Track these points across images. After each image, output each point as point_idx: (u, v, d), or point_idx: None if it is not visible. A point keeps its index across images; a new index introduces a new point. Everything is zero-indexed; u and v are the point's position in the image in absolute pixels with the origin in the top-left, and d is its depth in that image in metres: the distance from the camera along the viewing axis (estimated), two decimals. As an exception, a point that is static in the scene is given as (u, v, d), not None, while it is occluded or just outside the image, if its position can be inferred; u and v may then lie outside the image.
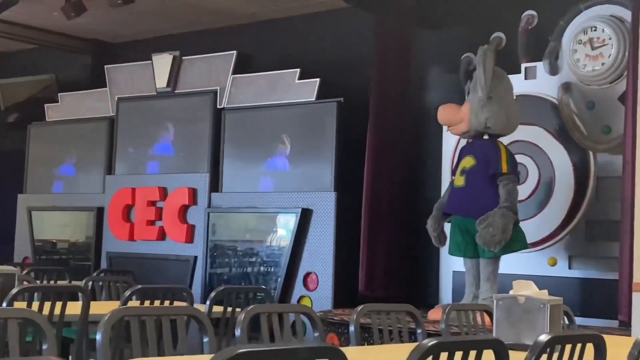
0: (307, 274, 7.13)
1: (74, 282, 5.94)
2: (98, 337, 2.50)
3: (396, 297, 6.72)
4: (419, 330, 3.50)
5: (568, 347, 2.45)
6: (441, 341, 2.04)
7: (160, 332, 2.71)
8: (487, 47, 5.76)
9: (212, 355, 1.69)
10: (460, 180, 5.79)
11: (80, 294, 3.85)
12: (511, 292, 3.26)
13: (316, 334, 3.11)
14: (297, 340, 3.00)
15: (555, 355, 2.40)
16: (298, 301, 7.13)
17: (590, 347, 2.52)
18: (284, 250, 7.22)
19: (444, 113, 5.92)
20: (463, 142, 6.25)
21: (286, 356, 1.70)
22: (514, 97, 6.01)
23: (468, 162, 5.76)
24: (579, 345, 2.48)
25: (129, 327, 2.65)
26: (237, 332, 2.82)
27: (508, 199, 5.62)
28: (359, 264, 6.91)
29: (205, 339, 2.70)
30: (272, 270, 7.29)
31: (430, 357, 2.03)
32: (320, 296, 7.01)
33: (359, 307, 3.35)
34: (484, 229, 5.53)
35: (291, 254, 7.16)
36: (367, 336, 3.59)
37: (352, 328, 3.22)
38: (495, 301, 3.24)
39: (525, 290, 3.25)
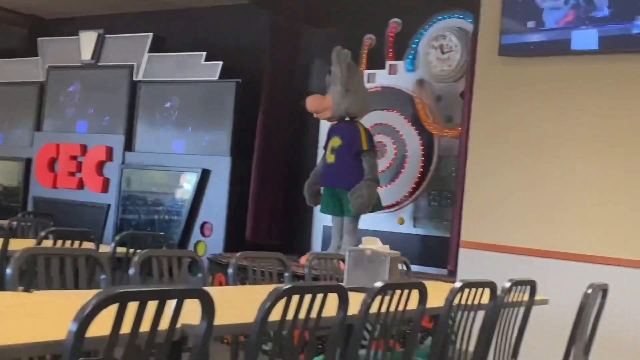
0: (204, 223, 7.05)
1: (1, 221, 5.68)
2: (8, 271, 2.39)
3: (277, 244, 6.72)
4: (286, 274, 3.51)
5: (398, 291, 2.50)
6: (293, 286, 2.04)
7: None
8: (340, 48, 5.72)
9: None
10: (331, 158, 5.79)
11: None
12: (360, 246, 3.30)
13: (199, 275, 3.07)
14: (184, 281, 2.94)
15: (387, 298, 2.45)
16: (195, 245, 7.05)
17: (415, 292, 2.58)
18: (185, 203, 7.11)
19: (311, 102, 5.90)
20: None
21: (160, 296, 1.66)
22: (364, 85, 6.08)
23: (336, 142, 5.76)
24: (406, 291, 2.53)
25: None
26: (131, 272, 2.75)
27: (370, 172, 5.68)
28: (247, 217, 6.87)
29: (103, 276, 2.62)
30: (175, 219, 7.17)
31: (285, 298, 2.03)
32: (213, 242, 6.95)
33: (238, 254, 3.32)
34: (355, 199, 5.56)
35: (191, 206, 7.06)
36: (244, 277, 3.56)
37: (230, 270, 3.20)
38: (347, 252, 3.28)
39: (372, 244, 3.30)
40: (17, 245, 3.66)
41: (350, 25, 7.00)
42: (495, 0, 5.11)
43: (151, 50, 7.56)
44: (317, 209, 6.40)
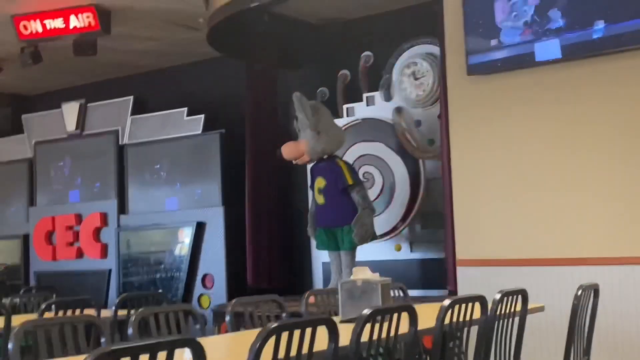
0: (205, 276, 7.13)
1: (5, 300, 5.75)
2: (9, 346, 2.47)
3: (279, 287, 6.80)
4: (284, 314, 3.58)
5: (387, 317, 2.59)
6: (280, 323, 2.12)
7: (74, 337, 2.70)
8: (298, 93, 5.82)
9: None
10: (320, 199, 5.88)
11: (2, 311, 3.74)
12: (351, 277, 3.39)
13: (197, 326, 3.15)
14: (178, 334, 3.02)
15: (377, 325, 2.53)
16: (198, 298, 7.12)
17: (405, 315, 2.67)
18: (184, 258, 7.20)
19: (286, 151, 5.97)
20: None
21: (150, 349, 1.74)
22: (333, 120, 6.15)
23: (320, 182, 5.85)
24: (395, 315, 2.61)
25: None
26: (130, 332, 2.84)
27: (365, 202, 5.77)
28: (246, 264, 6.95)
29: (102, 339, 2.70)
30: (176, 275, 7.25)
31: (274, 336, 2.11)
32: (216, 293, 7.02)
33: (233, 301, 3.40)
34: (360, 228, 5.63)
35: (190, 260, 7.15)
36: (243, 323, 3.64)
37: (227, 318, 3.28)
38: (339, 285, 3.36)
39: (363, 274, 3.39)
40: (20, 321, 3.74)
41: (324, 64, 7.18)
42: (457, 23, 5.27)
43: (134, 113, 7.73)
44: (314, 246, 6.48)
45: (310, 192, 6.48)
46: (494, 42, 5.10)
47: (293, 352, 2.17)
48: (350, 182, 5.71)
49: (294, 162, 6.07)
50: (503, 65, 5.08)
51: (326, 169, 5.88)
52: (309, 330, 2.22)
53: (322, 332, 2.30)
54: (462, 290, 5.18)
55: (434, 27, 5.66)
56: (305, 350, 2.21)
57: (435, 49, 6.15)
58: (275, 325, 2.09)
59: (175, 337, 1.84)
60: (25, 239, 8.21)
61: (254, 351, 2.01)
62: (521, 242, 4.97)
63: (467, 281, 5.20)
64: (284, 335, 2.14)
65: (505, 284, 4.30)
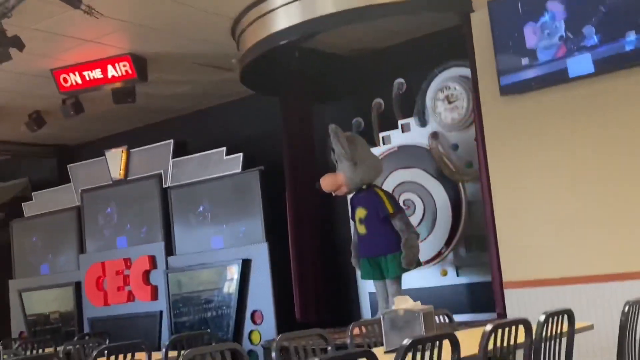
0: (254, 312, 7.19)
1: (59, 349, 5.90)
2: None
3: (327, 319, 6.84)
4: (329, 348, 3.61)
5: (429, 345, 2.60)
6: (321, 359, 2.16)
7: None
8: (333, 126, 5.87)
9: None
10: (362, 229, 5.89)
11: (55, 360, 3.85)
12: (393, 307, 3.41)
13: (246, 364, 3.20)
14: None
15: (419, 354, 2.54)
16: (249, 335, 7.19)
17: (447, 343, 2.68)
18: (232, 295, 7.28)
19: (325, 183, 5.99)
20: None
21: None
22: (369, 150, 6.17)
23: (361, 213, 5.87)
24: (437, 343, 2.63)
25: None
26: (178, 373, 2.91)
27: (409, 228, 5.77)
28: (293, 297, 6.99)
29: (152, 383, 2.77)
30: (225, 312, 7.33)
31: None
32: (266, 328, 7.07)
33: (278, 337, 3.45)
34: (409, 250, 5.63)
35: (238, 297, 7.22)
36: (289, 358, 3.68)
37: (273, 354, 3.32)
38: (381, 316, 3.38)
39: (404, 304, 3.41)
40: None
41: (357, 94, 7.25)
42: (487, 44, 5.31)
43: (175, 156, 7.90)
44: (359, 277, 6.49)
45: (351, 223, 6.52)
46: (525, 61, 5.11)
47: (335, 386, 2.20)
48: (390, 210, 5.73)
49: (333, 193, 6.12)
50: (536, 83, 5.09)
51: (366, 199, 5.90)
52: (350, 364, 2.25)
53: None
54: (511, 313, 5.15)
55: (464, 49, 5.70)
56: (347, 384, 2.24)
57: (467, 72, 6.16)
58: (314, 360, 2.13)
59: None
60: (78, 286, 8.42)
61: (295, 388, 2.05)
62: (567, 260, 4.92)
63: (515, 303, 5.16)
64: (326, 370, 2.18)
65: (555, 304, 4.27)
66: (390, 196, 5.95)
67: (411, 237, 5.70)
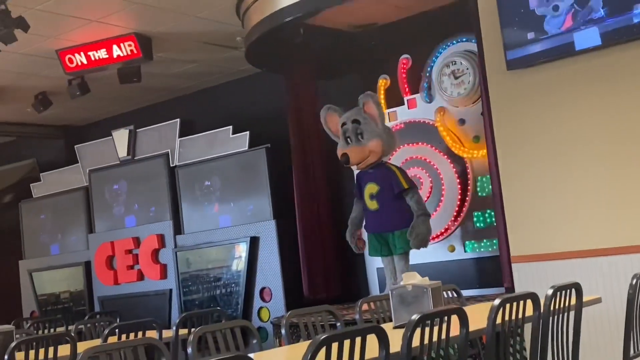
0: (262, 289, 7.24)
1: (70, 327, 5.96)
2: (74, 374, 2.59)
3: (335, 295, 6.88)
4: (338, 324, 3.64)
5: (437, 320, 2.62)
6: (330, 334, 2.18)
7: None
8: (370, 92, 5.80)
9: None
10: (373, 204, 5.76)
11: (67, 339, 3.89)
12: (401, 283, 3.43)
13: (254, 341, 3.23)
14: (239, 350, 3.11)
15: (428, 329, 2.56)
16: (258, 312, 7.24)
17: (455, 318, 2.69)
18: (241, 273, 7.33)
19: (355, 156, 5.72)
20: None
21: (204, 367, 1.83)
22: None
23: (372, 188, 5.74)
24: (445, 318, 2.65)
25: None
26: (189, 351, 2.94)
27: (420, 208, 5.68)
28: (301, 274, 7.03)
29: (163, 360, 2.80)
30: (234, 290, 7.39)
31: (324, 347, 2.17)
32: (275, 305, 7.12)
33: (287, 314, 3.48)
34: (415, 238, 5.57)
35: (247, 275, 7.28)
36: (298, 335, 3.71)
37: (282, 331, 3.35)
38: (390, 292, 3.40)
39: (412, 279, 3.42)
40: (85, 348, 3.89)
41: (363, 70, 7.22)
42: (493, 18, 5.26)
43: (181, 135, 7.91)
44: (367, 254, 6.50)
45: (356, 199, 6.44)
46: (531, 35, 5.07)
47: (345, 362, 2.22)
48: (405, 185, 5.64)
49: (356, 167, 5.94)
50: (542, 57, 5.05)
51: (378, 175, 5.78)
52: (359, 340, 2.27)
53: (375, 340, 2.35)
54: (519, 287, 5.15)
55: (469, 24, 5.65)
56: (356, 358, 2.26)
57: (473, 46, 6.13)
58: (324, 336, 2.15)
59: (228, 355, 1.92)
60: (87, 265, 8.48)
61: (305, 363, 2.07)
62: (575, 234, 4.91)
63: (523, 277, 5.17)
64: (335, 346, 2.20)
65: (562, 278, 4.27)
66: (404, 172, 5.87)
67: (419, 221, 5.59)
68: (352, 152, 5.77)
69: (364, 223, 6.00)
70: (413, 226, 5.58)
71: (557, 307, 3.18)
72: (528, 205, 5.16)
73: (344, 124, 5.77)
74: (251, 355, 1.93)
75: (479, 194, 6.34)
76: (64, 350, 4.00)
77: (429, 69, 6.63)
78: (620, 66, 4.75)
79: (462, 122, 6.46)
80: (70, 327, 5.70)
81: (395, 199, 5.72)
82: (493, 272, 5.95)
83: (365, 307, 5.72)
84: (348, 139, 5.72)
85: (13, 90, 7.87)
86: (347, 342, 2.24)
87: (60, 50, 6.81)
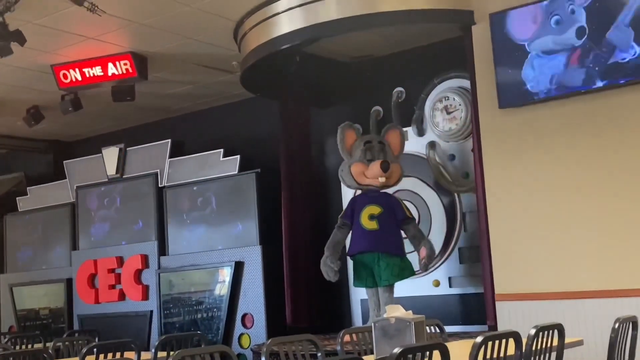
0: (244, 315, 7.19)
1: (48, 344, 5.89)
2: (49, 391, 2.56)
3: (318, 325, 6.83)
4: (319, 354, 3.62)
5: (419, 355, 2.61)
6: (310, 364, 2.17)
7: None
8: (395, 124, 6.20)
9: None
10: (372, 224, 5.85)
11: (45, 356, 3.85)
12: (384, 315, 3.42)
13: (233, 367, 3.20)
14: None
15: (409, 363, 2.56)
16: (239, 338, 7.18)
17: (437, 354, 2.69)
18: (224, 297, 7.28)
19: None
20: (352, 194, 6.45)
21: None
22: None
23: (375, 209, 5.86)
24: (427, 353, 2.64)
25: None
26: (167, 374, 2.91)
27: (422, 234, 5.99)
28: (285, 302, 6.99)
29: (140, 382, 2.78)
30: (216, 314, 7.33)
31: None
32: (256, 332, 7.06)
33: (268, 341, 3.46)
34: (430, 250, 5.83)
35: (230, 299, 7.22)
36: (279, 363, 3.68)
37: (262, 358, 3.33)
38: (372, 324, 3.39)
39: (396, 312, 3.41)
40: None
41: (356, 101, 7.27)
42: (487, 56, 5.34)
43: (172, 156, 7.90)
44: (351, 284, 6.49)
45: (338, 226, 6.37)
46: (525, 75, 5.13)
47: (323, 393, 2.21)
48: (409, 215, 5.92)
49: (382, 181, 5.94)
50: (535, 96, 5.11)
51: (381, 198, 5.95)
52: (339, 370, 2.27)
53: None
54: (502, 325, 5.16)
55: (464, 61, 5.72)
56: (335, 390, 2.25)
57: (467, 83, 6.19)
58: (304, 366, 2.14)
59: (206, 380, 1.90)
60: (69, 282, 8.40)
61: (283, 392, 2.06)
62: (561, 275, 4.94)
63: (507, 316, 5.18)
64: (314, 376, 2.19)
65: (546, 318, 4.29)
66: (404, 204, 6.06)
67: (428, 242, 5.88)
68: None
69: (351, 245, 6.01)
70: (429, 243, 5.85)
71: (539, 347, 3.18)
72: (515, 244, 5.19)
73: (368, 142, 6.00)
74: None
75: (467, 229, 6.35)
76: (41, 367, 3.95)
77: (422, 102, 6.68)
78: (612, 109, 4.82)
79: (452, 157, 6.49)
80: (48, 344, 5.63)
81: (396, 224, 5.90)
82: (477, 309, 5.95)
83: (347, 338, 5.72)
84: (368, 156, 5.93)
85: (5, 103, 7.86)
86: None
87: (55, 66, 6.83)
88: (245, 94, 7.51)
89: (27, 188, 9.15)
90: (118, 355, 4.01)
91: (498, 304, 5.27)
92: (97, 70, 6.79)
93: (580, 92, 4.91)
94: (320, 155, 7.44)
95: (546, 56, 5.04)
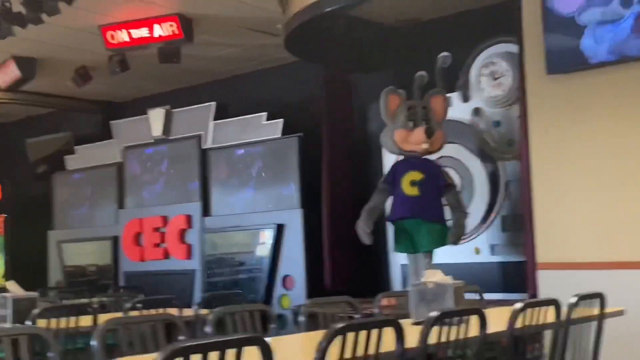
0: (285, 277, 7.26)
1: (94, 299, 6.04)
2: (92, 343, 2.62)
3: (356, 289, 6.84)
4: (357, 316, 3.63)
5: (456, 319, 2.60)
6: (347, 324, 2.17)
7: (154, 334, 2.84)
8: (439, 89, 5.98)
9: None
10: (413, 191, 5.79)
11: (89, 309, 3.95)
12: (423, 280, 3.41)
13: (273, 326, 3.24)
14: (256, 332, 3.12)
15: (446, 327, 2.55)
16: (279, 299, 7.27)
17: (475, 319, 2.67)
18: (265, 259, 7.35)
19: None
20: (394, 159, 6.40)
21: (219, 346, 1.83)
22: None
23: (416, 175, 5.79)
24: (465, 317, 2.63)
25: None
26: (208, 330, 2.96)
27: (460, 205, 5.86)
28: (324, 265, 7.02)
29: (181, 337, 2.83)
30: (257, 275, 7.42)
31: (340, 336, 2.17)
32: (296, 294, 7.13)
33: (307, 301, 3.48)
34: (459, 228, 5.75)
35: (271, 261, 7.30)
36: (317, 324, 3.71)
37: (301, 318, 3.36)
38: (410, 288, 3.38)
39: (435, 277, 3.40)
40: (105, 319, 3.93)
41: (401, 65, 7.17)
42: (536, 21, 5.19)
43: (216, 118, 7.95)
44: (391, 249, 6.49)
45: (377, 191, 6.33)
46: (574, 41, 4.99)
47: (360, 352, 2.22)
48: (449, 181, 5.82)
49: (425, 147, 5.85)
50: (584, 63, 4.97)
51: (423, 165, 5.86)
52: (375, 332, 2.27)
53: (391, 334, 2.34)
54: (543, 294, 5.10)
55: (512, 25, 5.58)
56: (371, 351, 2.25)
57: (514, 48, 6.05)
58: (341, 325, 2.15)
59: (244, 335, 1.92)
60: (115, 240, 8.58)
61: (320, 350, 2.07)
62: (604, 245, 4.85)
63: (548, 285, 5.12)
64: (351, 336, 2.19)
65: (587, 287, 4.21)
66: (445, 171, 5.99)
67: (461, 216, 5.78)
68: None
69: (392, 210, 5.97)
70: (458, 219, 5.71)
71: (579, 316, 3.13)
72: (559, 213, 5.10)
73: (411, 107, 5.89)
74: (267, 339, 1.93)
75: (510, 197, 6.26)
76: (86, 320, 4.05)
77: (467, 68, 6.56)
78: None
79: (497, 124, 6.39)
80: (93, 299, 5.77)
81: (437, 191, 5.81)
82: (518, 278, 5.88)
83: (385, 302, 5.74)
84: (411, 122, 5.81)
85: (54, 63, 7.97)
86: (363, 333, 2.24)
87: (102, 26, 6.88)
88: (289, 58, 7.46)
89: (75, 147, 9.31)
90: (161, 311, 4.09)
91: (539, 273, 5.21)
92: (144, 32, 6.82)
93: (634, 59, 4.76)
94: (363, 120, 7.39)
95: (601, 26, 4.88)
